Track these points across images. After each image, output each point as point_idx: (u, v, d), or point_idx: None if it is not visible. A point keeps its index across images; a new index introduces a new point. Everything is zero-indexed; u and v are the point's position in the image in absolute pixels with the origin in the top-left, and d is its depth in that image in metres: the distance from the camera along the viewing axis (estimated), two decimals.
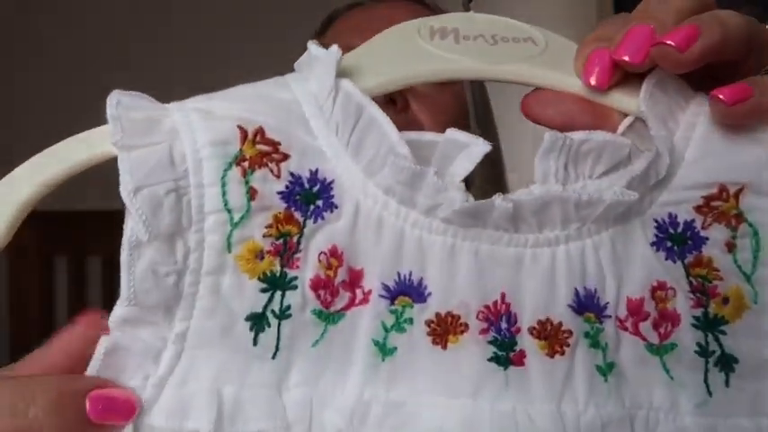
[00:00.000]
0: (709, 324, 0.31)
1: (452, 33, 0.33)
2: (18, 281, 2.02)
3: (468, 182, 0.30)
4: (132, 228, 0.27)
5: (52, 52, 1.70)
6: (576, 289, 0.30)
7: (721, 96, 0.29)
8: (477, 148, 0.30)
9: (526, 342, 0.30)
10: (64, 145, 0.28)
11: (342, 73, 0.31)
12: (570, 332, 0.30)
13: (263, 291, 0.29)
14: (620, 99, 0.32)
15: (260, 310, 0.29)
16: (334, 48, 0.30)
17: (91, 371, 0.26)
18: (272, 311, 0.29)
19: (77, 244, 1.98)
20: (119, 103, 0.28)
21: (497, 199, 0.29)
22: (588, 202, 0.29)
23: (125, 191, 0.26)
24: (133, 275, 0.27)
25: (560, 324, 0.30)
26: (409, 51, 0.33)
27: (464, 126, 0.62)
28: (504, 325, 0.30)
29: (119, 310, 0.27)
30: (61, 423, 0.25)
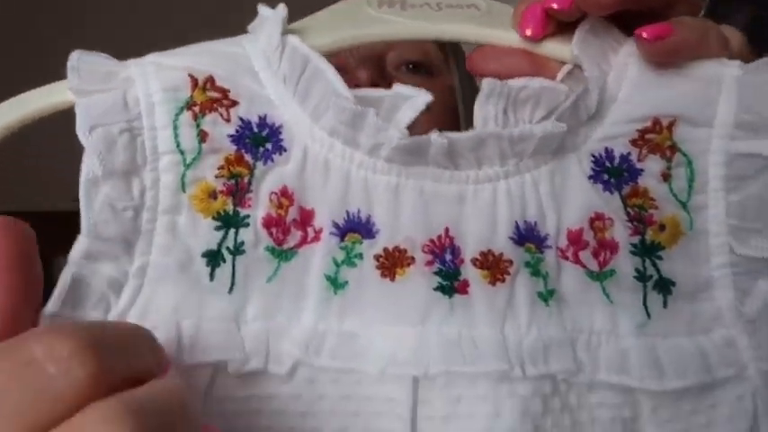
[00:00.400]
0: (647, 250, 0.32)
1: (399, 3, 0.35)
2: None
3: None
4: (88, 165, 0.28)
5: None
6: (516, 222, 0.32)
7: (644, 35, 0.31)
8: (421, 98, 0.31)
9: (469, 272, 0.31)
10: (27, 94, 0.30)
11: (290, 33, 0.32)
12: (511, 261, 0.31)
13: (218, 229, 0.30)
14: (557, 48, 0.33)
15: (215, 247, 0.30)
16: (281, 6, 0.32)
17: (54, 302, 0.28)
18: (227, 248, 0.30)
19: None
20: (80, 58, 0.30)
21: (433, 135, 0.30)
22: (520, 136, 0.31)
23: (80, 130, 0.28)
24: (92, 209, 0.28)
25: (501, 254, 0.31)
26: (357, 17, 0.35)
27: (453, 116, 0.63)
28: (448, 257, 0.31)
29: (80, 243, 0.29)
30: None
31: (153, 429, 0.21)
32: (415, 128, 0.31)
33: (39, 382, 0.20)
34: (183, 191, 0.30)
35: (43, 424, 0.20)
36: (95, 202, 0.28)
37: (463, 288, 0.31)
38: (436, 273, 0.31)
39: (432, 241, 0.31)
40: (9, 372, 0.21)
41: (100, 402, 0.21)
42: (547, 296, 0.32)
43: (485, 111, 0.32)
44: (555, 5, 0.32)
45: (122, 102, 0.29)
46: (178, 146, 0.30)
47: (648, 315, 0.32)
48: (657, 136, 0.32)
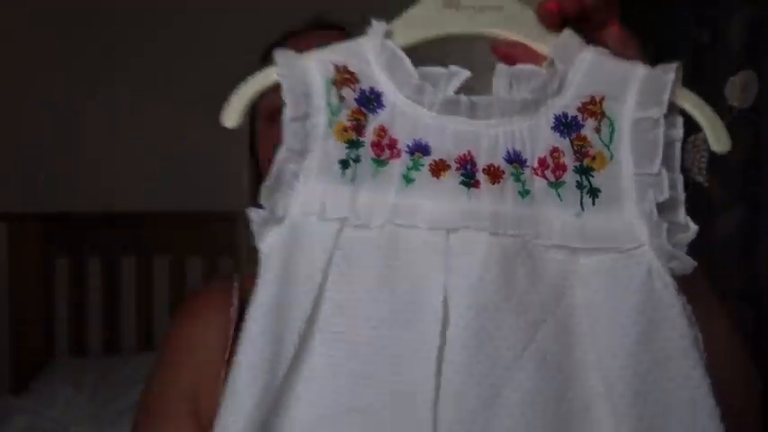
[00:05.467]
0: (584, 170, 0.57)
1: (454, 5, 0.60)
2: (18, 281, 1.98)
3: None
4: (289, 108, 0.56)
5: None
6: (508, 149, 0.57)
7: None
8: (463, 73, 0.57)
9: (481, 177, 0.57)
10: (253, 76, 0.58)
11: (387, 35, 0.58)
12: (504, 172, 0.57)
13: (347, 148, 0.58)
14: (543, 48, 0.58)
15: (345, 157, 0.58)
16: (383, 23, 0.58)
17: (271, 178, 0.56)
18: (351, 158, 0.58)
19: (77, 244, 2.01)
20: (278, 53, 0.58)
21: (461, 96, 0.56)
22: (510, 100, 0.56)
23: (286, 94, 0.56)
24: (288, 133, 0.56)
25: (498, 167, 0.57)
26: (426, 22, 0.60)
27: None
28: (469, 167, 0.57)
29: (281, 151, 0.56)
30: None
31: None
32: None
33: None
34: (330, 128, 0.58)
35: None
36: (288, 130, 0.56)
37: (477, 185, 0.57)
38: (462, 174, 0.57)
39: (460, 157, 0.57)
40: None
41: None
42: (524, 193, 0.57)
43: (497, 84, 0.57)
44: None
45: (303, 79, 0.57)
46: (329, 105, 0.57)
47: (582, 208, 0.57)
48: (594, 106, 0.57)
